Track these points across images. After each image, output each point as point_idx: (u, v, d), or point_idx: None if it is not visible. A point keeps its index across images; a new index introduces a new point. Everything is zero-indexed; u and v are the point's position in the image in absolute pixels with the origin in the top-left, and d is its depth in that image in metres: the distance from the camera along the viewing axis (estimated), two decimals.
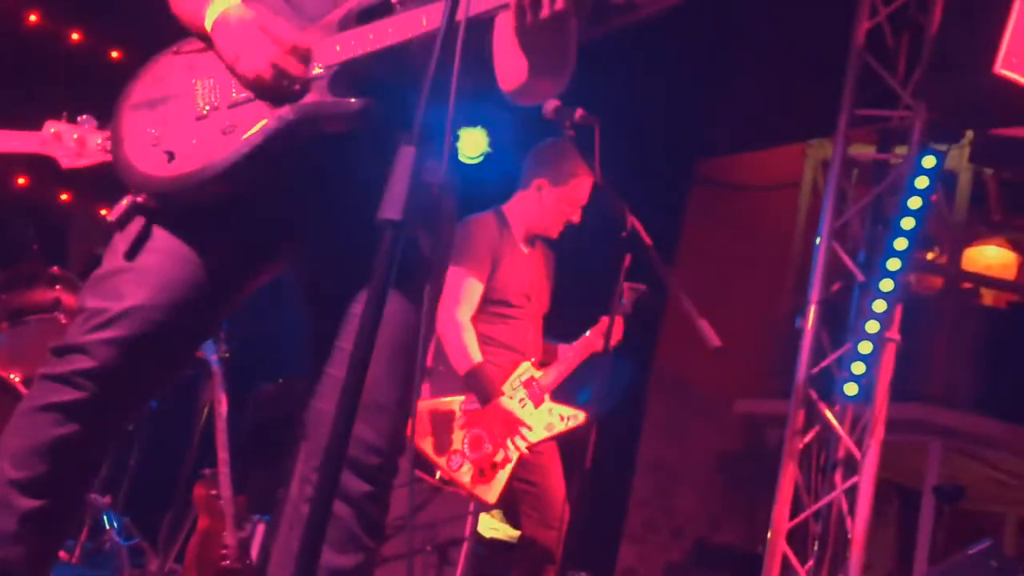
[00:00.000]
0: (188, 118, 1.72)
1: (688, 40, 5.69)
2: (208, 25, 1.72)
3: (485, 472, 3.39)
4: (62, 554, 3.80)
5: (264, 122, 1.67)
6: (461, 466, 3.37)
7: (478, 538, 3.88)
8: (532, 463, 3.48)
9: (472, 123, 5.92)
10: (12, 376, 3.46)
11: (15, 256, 3.98)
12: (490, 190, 4.06)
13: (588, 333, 3.55)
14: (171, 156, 1.69)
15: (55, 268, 3.72)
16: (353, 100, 1.65)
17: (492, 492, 3.39)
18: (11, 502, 1.60)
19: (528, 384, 3.50)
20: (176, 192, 1.68)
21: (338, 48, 1.67)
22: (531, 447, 3.46)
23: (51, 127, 2.44)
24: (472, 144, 5.97)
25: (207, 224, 1.70)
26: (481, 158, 5.94)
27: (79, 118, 2.46)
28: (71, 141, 2.40)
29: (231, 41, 1.68)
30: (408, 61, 1.64)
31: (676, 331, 6.00)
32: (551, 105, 3.26)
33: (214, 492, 3.65)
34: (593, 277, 3.30)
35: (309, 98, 1.67)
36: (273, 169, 1.69)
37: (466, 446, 3.38)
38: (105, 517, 4.06)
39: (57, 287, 3.67)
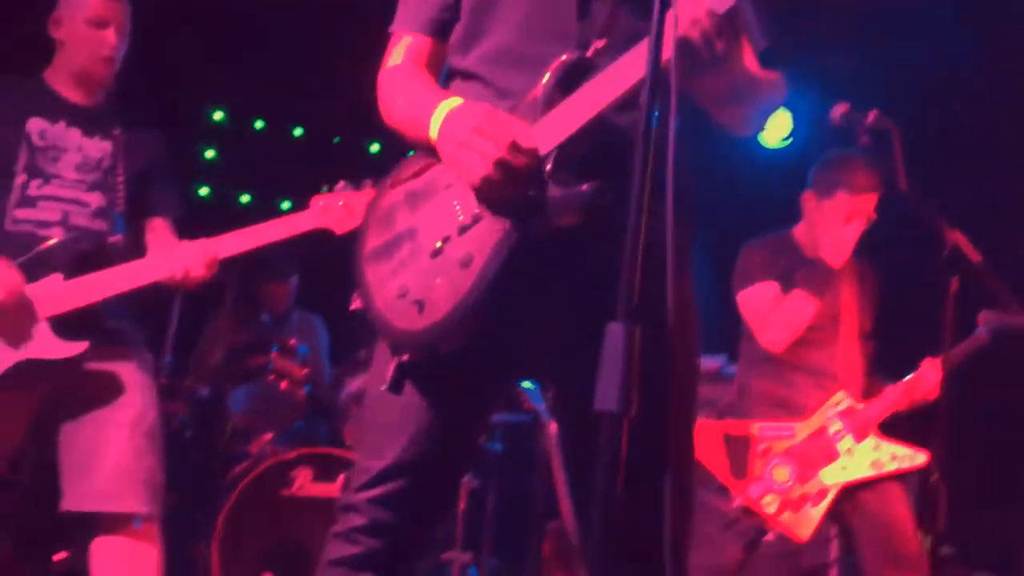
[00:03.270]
0: (424, 257, 1.64)
1: None
2: (433, 135, 1.63)
3: (793, 504, 3.11)
4: None
5: (498, 240, 1.56)
6: (763, 496, 3.12)
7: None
8: (865, 497, 3.14)
9: None
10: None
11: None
12: (796, 180, 3.76)
13: (919, 370, 3.18)
14: (420, 306, 1.61)
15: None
16: (584, 187, 1.50)
17: (803, 527, 3.09)
18: None
19: (847, 414, 3.17)
20: (434, 343, 1.62)
21: (551, 130, 1.54)
22: (850, 484, 3.13)
23: (319, 201, 2.59)
24: (775, 129, 5.60)
25: (449, 360, 1.66)
26: (787, 142, 5.55)
27: (336, 187, 2.59)
28: (338, 209, 2.54)
29: (453, 151, 1.57)
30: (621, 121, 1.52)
31: None
32: (838, 111, 2.94)
33: (562, 546, 3.71)
34: (909, 310, 2.91)
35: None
36: (514, 285, 1.59)
37: (770, 475, 3.14)
38: (471, 573, 4.29)
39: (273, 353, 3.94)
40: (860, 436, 3.16)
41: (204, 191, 6.02)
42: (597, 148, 1.52)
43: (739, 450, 3.16)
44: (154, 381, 2.69)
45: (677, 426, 1.68)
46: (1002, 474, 4.59)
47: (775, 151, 5.52)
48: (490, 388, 1.77)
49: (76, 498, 2.51)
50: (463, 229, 1.60)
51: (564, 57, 1.56)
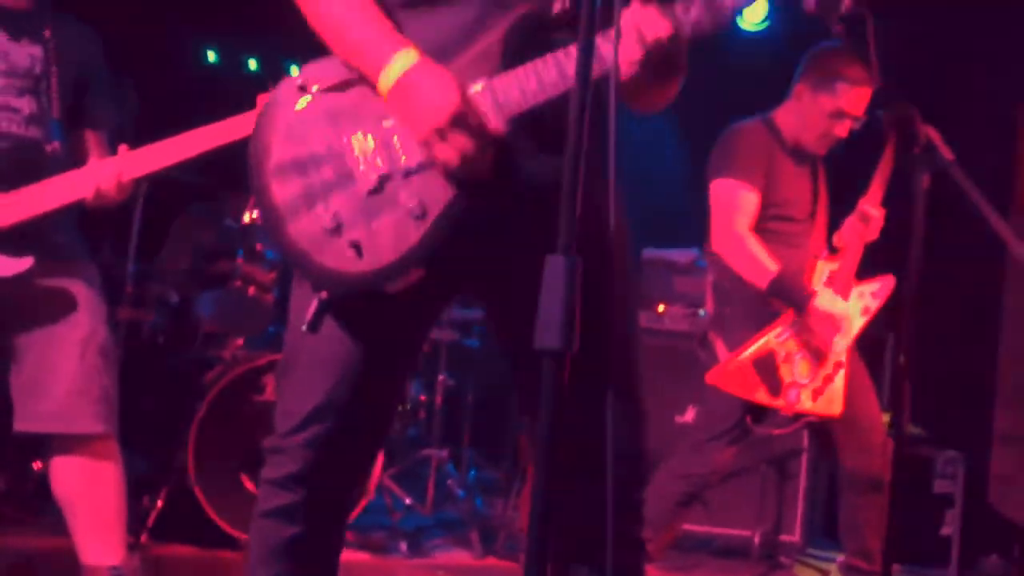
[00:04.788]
0: (358, 192, 1.52)
1: None
2: (384, 88, 1.51)
3: (820, 389, 3.17)
4: (417, 506, 4.13)
5: (453, 195, 1.50)
6: (799, 396, 3.16)
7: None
8: None
9: None
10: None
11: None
12: (770, 65, 3.66)
13: (858, 207, 3.19)
14: (358, 250, 1.50)
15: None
16: (540, 157, 1.49)
17: (835, 402, 3.17)
18: None
19: (831, 281, 3.20)
20: (372, 287, 1.53)
21: (510, 96, 1.48)
22: (854, 341, 3.19)
23: (265, 100, 2.42)
24: (752, 11, 5.42)
25: (385, 302, 1.59)
26: (764, 25, 5.39)
27: None
28: None
29: (422, 130, 1.47)
30: None
31: None
32: None
33: None
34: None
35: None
36: (463, 231, 1.54)
37: (797, 374, 3.16)
38: (449, 468, 4.36)
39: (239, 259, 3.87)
40: (847, 293, 3.19)
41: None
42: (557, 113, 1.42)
43: (767, 368, 3.17)
44: (102, 296, 2.61)
45: (623, 345, 1.64)
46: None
47: (753, 33, 5.39)
48: (423, 315, 1.71)
49: (28, 418, 2.48)
50: (408, 173, 1.51)
51: (525, 11, 1.49)
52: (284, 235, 1.54)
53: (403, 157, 1.52)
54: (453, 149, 1.45)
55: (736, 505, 4.11)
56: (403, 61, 1.49)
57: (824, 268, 3.20)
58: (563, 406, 1.16)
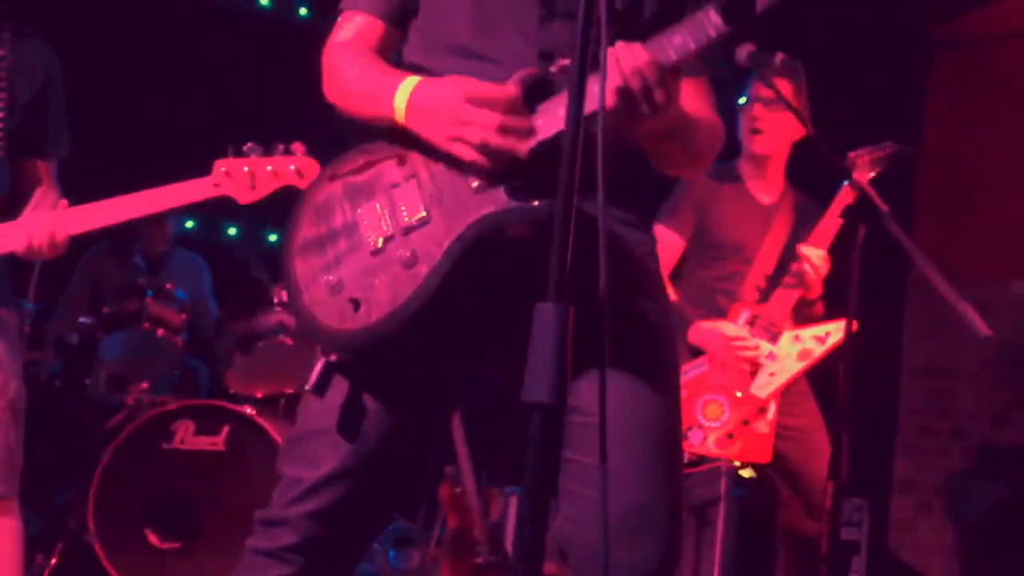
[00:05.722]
0: (363, 255, 1.56)
1: None
2: (399, 116, 1.54)
3: (737, 433, 3.04)
4: None
5: (448, 244, 1.50)
6: (705, 439, 3.07)
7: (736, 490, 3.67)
8: (786, 449, 3.09)
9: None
10: (255, 393, 3.69)
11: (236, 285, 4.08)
12: None
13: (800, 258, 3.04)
14: (356, 304, 1.54)
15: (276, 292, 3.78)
16: (537, 203, 1.46)
17: (759, 450, 3.02)
18: None
19: (750, 323, 3.09)
20: (368, 346, 1.53)
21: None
22: (786, 386, 3.05)
23: (221, 167, 2.27)
24: None
25: (395, 367, 1.58)
26: None
27: (244, 148, 2.26)
28: (243, 175, 2.23)
29: (438, 124, 1.49)
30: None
31: (932, 215, 5.31)
32: (744, 51, 2.85)
33: (458, 490, 3.66)
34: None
35: (486, 208, 1.48)
36: (459, 293, 1.53)
37: (700, 417, 3.08)
38: None
39: (278, 309, 3.72)
40: (774, 337, 3.08)
41: None
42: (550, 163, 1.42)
43: None
44: (18, 348, 2.40)
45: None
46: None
47: None
48: (437, 385, 1.64)
49: None
50: (408, 230, 1.54)
51: (531, 71, 1.51)
52: (299, 304, 1.60)
53: (405, 215, 1.54)
54: (480, 130, 1.45)
55: None
56: (409, 83, 1.54)
57: (743, 311, 3.11)
58: (549, 463, 1.10)
